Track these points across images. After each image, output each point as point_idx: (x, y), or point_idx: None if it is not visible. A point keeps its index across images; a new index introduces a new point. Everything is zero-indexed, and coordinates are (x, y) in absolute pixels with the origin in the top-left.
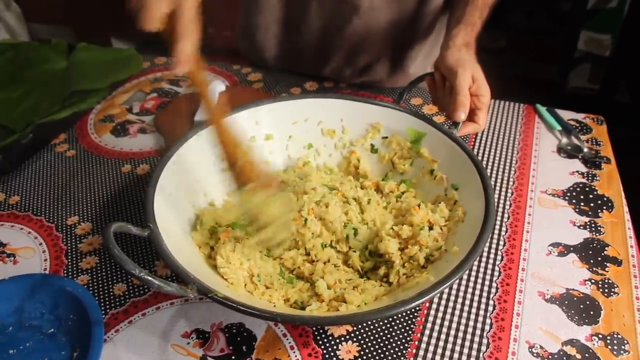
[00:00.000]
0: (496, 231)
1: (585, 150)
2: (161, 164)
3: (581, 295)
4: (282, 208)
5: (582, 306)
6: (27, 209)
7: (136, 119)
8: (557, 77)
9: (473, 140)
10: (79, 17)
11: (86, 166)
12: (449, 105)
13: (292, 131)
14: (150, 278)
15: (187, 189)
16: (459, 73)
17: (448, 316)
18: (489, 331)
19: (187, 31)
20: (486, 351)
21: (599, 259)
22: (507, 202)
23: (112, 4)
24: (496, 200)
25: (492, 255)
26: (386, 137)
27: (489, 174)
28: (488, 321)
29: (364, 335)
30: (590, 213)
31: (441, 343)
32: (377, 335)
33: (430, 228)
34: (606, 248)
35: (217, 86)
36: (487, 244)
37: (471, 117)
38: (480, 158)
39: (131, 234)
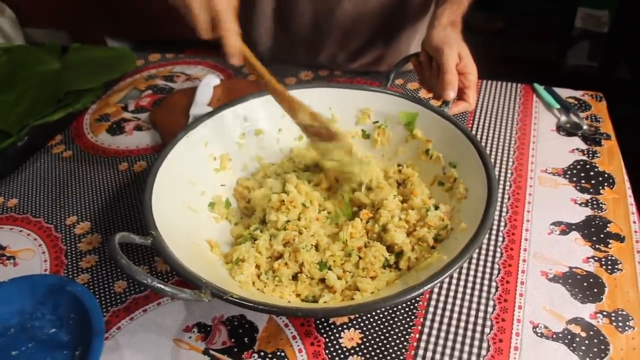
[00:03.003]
0: (497, 213)
1: (585, 127)
2: (154, 168)
3: (584, 273)
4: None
5: (585, 284)
6: (26, 211)
7: (132, 117)
8: (556, 56)
9: (471, 121)
10: (74, 20)
11: (83, 166)
12: (437, 85)
13: (281, 124)
14: (162, 286)
15: (184, 190)
16: (445, 52)
17: (450, 299)
18: (492, 313)
19: (230, 30)
20: (490, 333)
21: (602, 236)
22: (507, 183)
23: (105, 6)
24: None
25: (493, 237)
26: (377, 122)
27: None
28: (491, 303)
29: (366, 322)
30: (591, 190)
31: (444, 327)
32: (379, 322)
33: (436, 207)
34: (608, 225)
35: (212, 80)
36: None
37: (460, 96)
38: (479, 139)
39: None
